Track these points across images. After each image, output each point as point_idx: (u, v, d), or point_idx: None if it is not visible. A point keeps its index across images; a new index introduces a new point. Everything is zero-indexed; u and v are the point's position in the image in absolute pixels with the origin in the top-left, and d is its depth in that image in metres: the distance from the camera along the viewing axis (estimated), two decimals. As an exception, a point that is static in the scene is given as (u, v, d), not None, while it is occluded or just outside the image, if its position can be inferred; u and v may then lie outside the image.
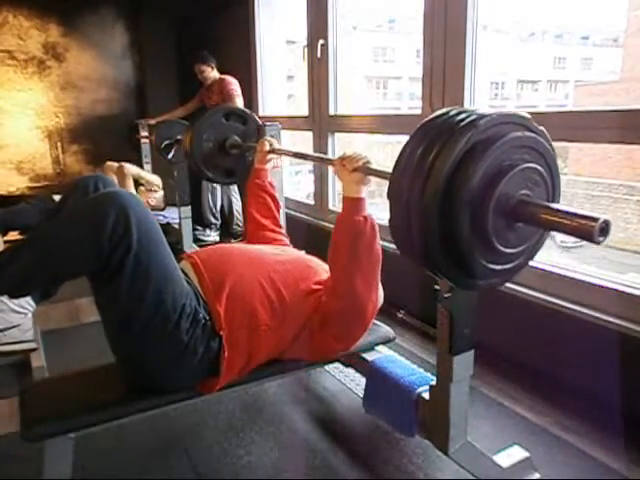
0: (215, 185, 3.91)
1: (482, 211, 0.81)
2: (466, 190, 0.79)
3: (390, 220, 0.90)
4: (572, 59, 18.92)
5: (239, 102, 3.61)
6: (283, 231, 1.86)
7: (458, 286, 0.95)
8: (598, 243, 0.74)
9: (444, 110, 0.88)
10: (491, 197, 0.80)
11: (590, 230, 0.74)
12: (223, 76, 3.74)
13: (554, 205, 0.84)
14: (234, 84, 3.65)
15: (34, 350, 1.99)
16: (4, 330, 1.96)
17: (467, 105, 2.03)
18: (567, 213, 0.79)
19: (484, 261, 0.86)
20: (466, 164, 0.79)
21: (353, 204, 1.30)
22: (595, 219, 0.73)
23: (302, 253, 1.69)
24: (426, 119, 0.88)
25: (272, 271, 1.39)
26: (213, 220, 3.97)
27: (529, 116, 0.88)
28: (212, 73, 3.79)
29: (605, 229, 0.74)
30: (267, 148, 1.90)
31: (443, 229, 0.81)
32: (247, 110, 2.26)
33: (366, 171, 1.29)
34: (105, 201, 1.11)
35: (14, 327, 1.98)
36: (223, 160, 2.17)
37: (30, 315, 2.08)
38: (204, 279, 1.31)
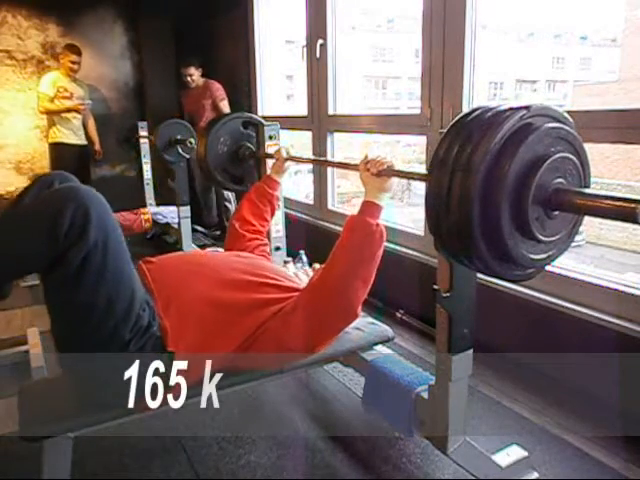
0: None
1: (522, 200, 0.81)
2: (506, 180, 0.79)
3: (429, 218, 0.89)
4: (571, 59, 18.92)
5: (226, 104, 3.75)
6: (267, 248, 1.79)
7: (503, 279, 0.95)
8: None
9: (473, 108, 0.88)
10: (530, 186, 0.81)
11: (633, 212, 0.74)
12: (210, 80, 3.81)
13: (590, 191, 0.84)
14: (222, 89, 3.77)
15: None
16: None
17: (465, 104, 2.03)
18: (606, 197, 0.79)
19: (525, 251, 0.86)
20: (504, 155, 0.80)
21: (371, 208, 1.31)
22: (636, 201, 0.74)
23: (264, 261, 1.61)
24: (458, 117, 0.88)
25: (227, 281, 1.33)
26: (217, 220, 4.03)
27: (559, 108, 0.88)
28: (199, 76, 3.84)
29: None
30: (284, 155, 1.81)
31: (484, 221, 0.81)
32: (261, 119, 2.23)
33: (390, 173, 1.30)
34: (65, 194, 1.05)
35: None
36: (234, 167, 2.16)
37: None
38: (152, 291, 1.24)
